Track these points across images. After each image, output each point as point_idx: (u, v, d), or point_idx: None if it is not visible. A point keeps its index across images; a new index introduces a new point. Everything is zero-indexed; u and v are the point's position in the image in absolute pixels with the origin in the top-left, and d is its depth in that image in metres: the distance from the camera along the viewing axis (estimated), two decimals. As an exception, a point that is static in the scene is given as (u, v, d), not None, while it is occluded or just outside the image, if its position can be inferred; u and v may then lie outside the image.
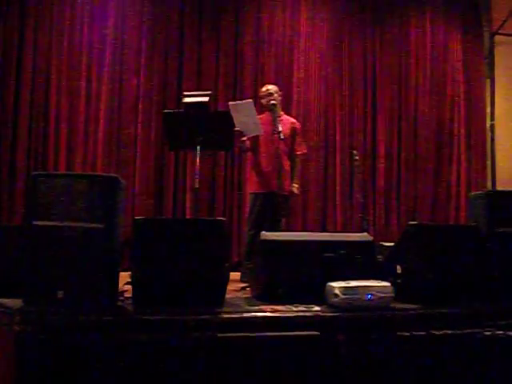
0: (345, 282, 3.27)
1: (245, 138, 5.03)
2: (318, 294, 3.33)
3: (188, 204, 6.91)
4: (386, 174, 7.80)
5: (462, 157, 8.09)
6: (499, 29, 8.16)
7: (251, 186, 5.36)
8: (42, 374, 2.77)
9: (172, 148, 5.90)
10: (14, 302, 2.99)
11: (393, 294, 3.32)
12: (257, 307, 3.26)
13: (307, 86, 7.61)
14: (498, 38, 8.28)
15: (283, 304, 3.26)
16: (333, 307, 3.22)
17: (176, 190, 7.01)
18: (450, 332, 3.23)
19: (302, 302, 3.28)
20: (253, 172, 5.33)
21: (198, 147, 4.56)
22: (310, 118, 7.52)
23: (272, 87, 5.39)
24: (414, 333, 3.17)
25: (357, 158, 6.11)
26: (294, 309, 3.20)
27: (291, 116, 5.78)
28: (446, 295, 3.46)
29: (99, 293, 3.02)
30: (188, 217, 6.79)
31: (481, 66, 8.35)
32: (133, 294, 3.18)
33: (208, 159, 6.91)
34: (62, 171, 6.30)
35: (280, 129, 4.88)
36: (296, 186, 5.32)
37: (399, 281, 3.56)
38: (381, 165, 7.78)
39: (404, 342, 3.16)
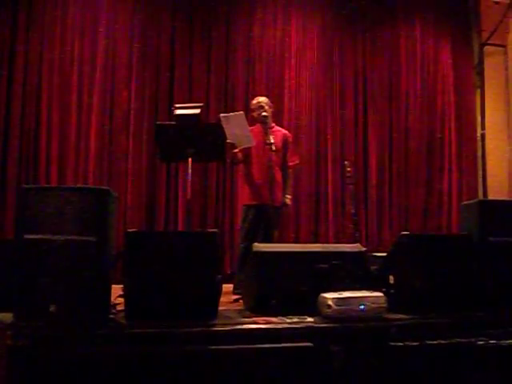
0: (338, 293, 3.28)
1: (237, 150, 5.03)
2: (311, 306, 3.33)
3: (180, 216, 6.91)
4: (377, 184, 7.83)
5: (453, 166, 8.14)
6: (488, 39, 8.24)
7: (243, 198, 5.34)
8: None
9: (164, 160, 5.89)
10: (6, 317, 2.97)
11: (386, 305, 3.32)
12: (250, 319, 3.26)
13: (298, 97, 7.64)
14: (487, 48, 8.35)
15: (276, 316, 3.26)
16: (326, 318, 3.21)
17: (168, 202, 6.99)
18: (443, 342, 3.23)
19: (295, 314, 3.27)
20: (245, 184, 5.31)
21: (190, 159, 4.55)
22: (302, 129, 7.54)
23: (263, 99, 5.39)
24: (407, 343, 3.17)
25: (349, 168, 6.10)
26: (287, 320, 3.19)
27: (283, 128, 5.78)
28: (439, 305, 3.46)
29: (91, 306, 3.00)
30: (180, 229, 6.78)
31: (471, 76, 8.43)
32: (125, 306, 3.16)
33: (200, 171, 6.91)
34: (54, 184, 6.27)
35: (272, 140, 4.88)
36: (289, 197, 5.32)
37: (392, 291, 3.56)
38: (372, 175, 7.80)
39: (397, 353, 3.15)
